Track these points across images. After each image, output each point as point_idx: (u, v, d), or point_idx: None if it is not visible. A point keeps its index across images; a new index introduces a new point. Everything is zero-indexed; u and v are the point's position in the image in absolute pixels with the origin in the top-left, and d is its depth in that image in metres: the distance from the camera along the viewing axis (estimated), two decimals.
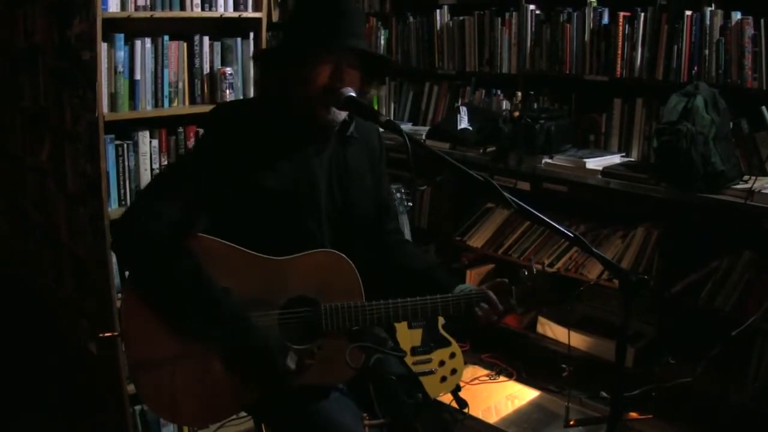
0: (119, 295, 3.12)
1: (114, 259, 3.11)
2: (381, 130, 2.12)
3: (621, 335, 1.89)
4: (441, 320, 3.69)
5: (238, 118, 2.10)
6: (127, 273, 2.24)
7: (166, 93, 3.22)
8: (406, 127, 4.82)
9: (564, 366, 3.65)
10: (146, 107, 3.18)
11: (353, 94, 2.00)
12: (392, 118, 5.01)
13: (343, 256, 2.07)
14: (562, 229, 1.86)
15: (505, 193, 1.84)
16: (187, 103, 3.30)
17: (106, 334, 2.88)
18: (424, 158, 1.99)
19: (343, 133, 2.17)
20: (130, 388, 3.22)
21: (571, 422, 3.47)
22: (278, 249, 2.05)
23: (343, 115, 2.07)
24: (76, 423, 3.67)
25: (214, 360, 2.00)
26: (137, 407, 3.34)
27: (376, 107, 5.09)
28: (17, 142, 4.44)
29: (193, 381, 2.01)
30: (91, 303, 3.59)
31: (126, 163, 3.15)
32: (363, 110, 2.02)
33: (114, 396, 3.31)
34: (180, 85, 3.25)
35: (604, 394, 3.73)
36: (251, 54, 3.36)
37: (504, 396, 3.95)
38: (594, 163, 3.72)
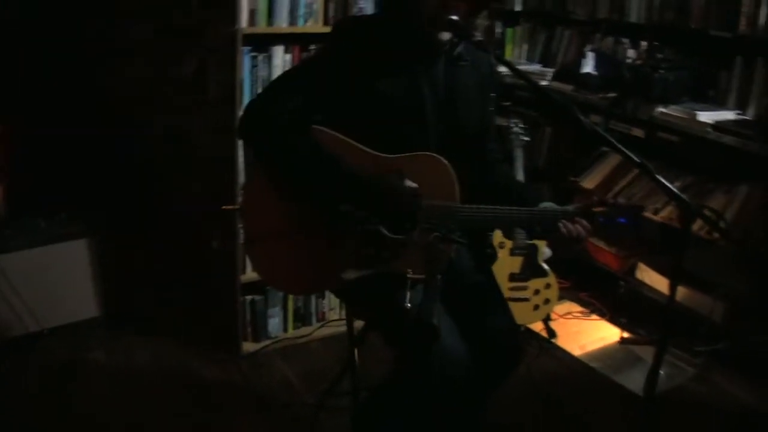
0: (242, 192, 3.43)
1: (240, 159, 3.44)
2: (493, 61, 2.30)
3: (676, 267, 2.02)
4: (542, 253, 3.87)
5: (358, 30, 2.32)
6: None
7: (301, 12, 3.47)
8: (536, 68, 4.93)
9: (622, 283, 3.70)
10: (282, 24, 3.44)
11: (455, 18, 2.17)
12: (525, 59, 5.17)
13: (445, 161, 2.25)
14: (628, 153, 2.00)
15: (580, 116, 1.99)
16: (321, 22, 3.55)
17: (228, 207, 3.26)
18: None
19: (450, 54, 2.35)
20: (243, 277, 3.57)
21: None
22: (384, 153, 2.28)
23: (446, 35, 2.27)
24: (191, 312, 4.05)
25: (320, 233, 2.25)
26: (248, 297, 3.67)
27: (509, 47, 5.25)
28: (168, 58, 4.78)
29: (299, 252, 2.29)
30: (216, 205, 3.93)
31: (259, 73, 3.44)
32: (460, 31, 2.20)
33: (228, 286, 3.65)
34: (315, 6, 3.50)
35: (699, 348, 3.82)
36: None
37: (593, 333, 4.10)
38: (706, 117, 3.73)
